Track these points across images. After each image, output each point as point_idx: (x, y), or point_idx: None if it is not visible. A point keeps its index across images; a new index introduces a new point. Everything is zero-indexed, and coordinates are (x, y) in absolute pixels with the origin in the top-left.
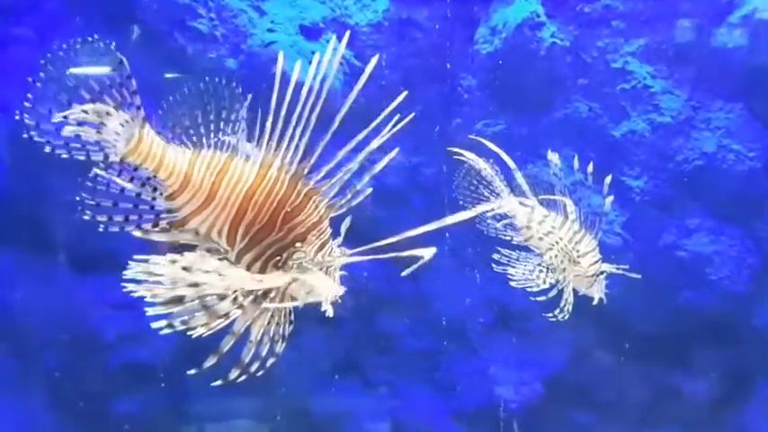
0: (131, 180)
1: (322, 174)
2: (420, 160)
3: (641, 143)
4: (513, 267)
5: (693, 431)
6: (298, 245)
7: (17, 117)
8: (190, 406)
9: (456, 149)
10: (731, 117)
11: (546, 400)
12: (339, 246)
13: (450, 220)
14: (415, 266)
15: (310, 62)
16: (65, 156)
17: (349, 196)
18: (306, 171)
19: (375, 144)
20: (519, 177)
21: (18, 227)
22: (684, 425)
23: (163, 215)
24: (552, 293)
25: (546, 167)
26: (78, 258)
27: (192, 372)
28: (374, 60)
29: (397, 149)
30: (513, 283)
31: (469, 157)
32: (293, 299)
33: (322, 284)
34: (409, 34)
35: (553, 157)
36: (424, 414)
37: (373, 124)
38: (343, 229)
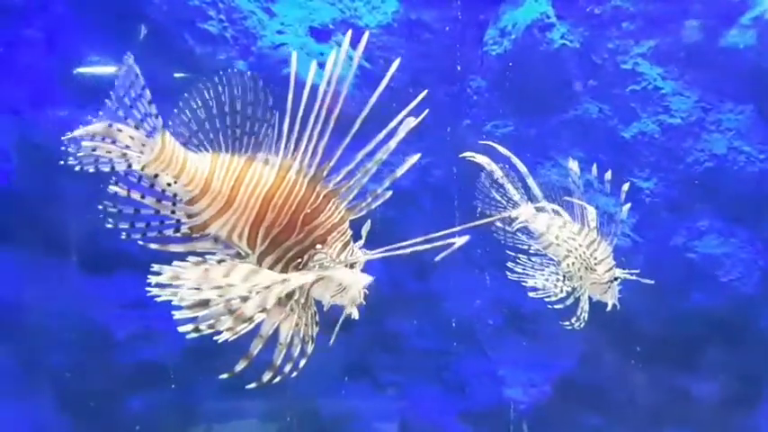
0: (152, 186)
1: (341, 176)
2: (430, 161)
3: (651, 144)
4: (530, 277)
5: None
6: (318, 247)
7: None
8: (199, 406)
9: (469, 153)
10: (741, 119)
11: (555, 401)
12: (360, 248)
13: (471, 225)
14: (448, 252)
15: (320, 64)
16: (92, 170)
17: (369, 200)
18: (325, 174)
19: (393, 144)
20: (531, 182)
21: (27, 227)
22: (694, 427)
23: (183, 220)
24: (569, 301)
25: (554, 168)
26: (88, 258)
27: (225, 376)
28: (396, 63)
29: (419, 155)
30: (531, 294)
31: (482, 160)
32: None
33: (349, 278)
34: (419, 36)
35: (573, 165)
36: (432, 415)
37: (392, 124)
38: (363, 232)
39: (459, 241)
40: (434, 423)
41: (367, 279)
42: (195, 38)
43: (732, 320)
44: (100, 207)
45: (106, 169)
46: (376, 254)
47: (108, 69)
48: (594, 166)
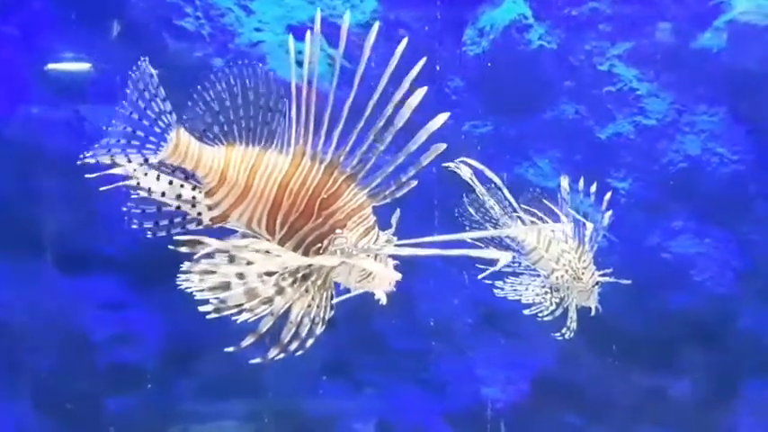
0: (171, 183)
1: (357, 158)
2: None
3: (627, 145)
4: (517, 293)
5: None
6: (338, 231)
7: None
8: (177, 407)
9: (453, 164)
10: (715, 120)
11: (533, 400)
12: (390, 236)
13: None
14: (494, 269)
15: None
16: (107, 161)
17: (394, 187)
18: (341, 158)
19: (423, 136)
20: (506, 193)
21: (4, 227)
22: (671, 426)
23: (204, 212)
24: (559, 312)
25: (531, 169)
26: (64, 258)
27: (231, 349)
28: (403, 43)
29: (444, 144)
30: (526, 312)
31: (465, 173)
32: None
33: (374, 268)
34: (398, 35)
35: (564, 182)
36: (412, 414)
37: (396, 98)
38: (393, 220)
39: (505, 258)
40: (413, 422)
41: (393, 276)
42: (172, 35)
43: (706, 320)
44: (123, 209)
45: (122, 162)
46: (403, 246)
47: (81, 66)
48: (582, 179)
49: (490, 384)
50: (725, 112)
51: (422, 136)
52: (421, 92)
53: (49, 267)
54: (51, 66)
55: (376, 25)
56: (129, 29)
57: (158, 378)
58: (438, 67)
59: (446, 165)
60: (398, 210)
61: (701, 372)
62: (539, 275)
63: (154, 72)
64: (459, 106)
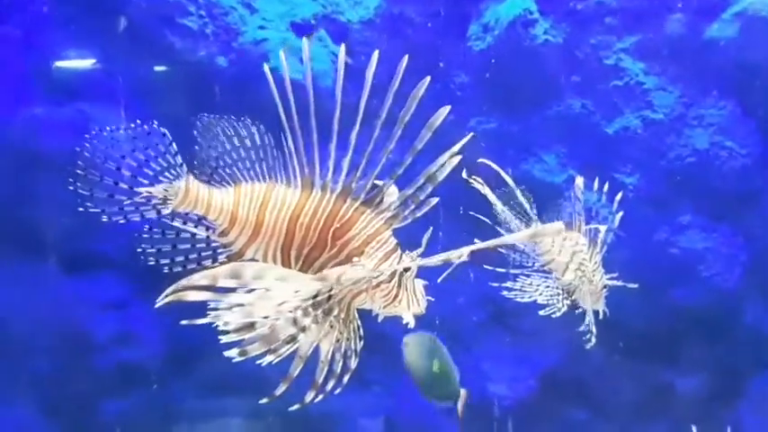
0: (185, 223)
1: (370, 182)
2: (413, 159)
3: (634, 140)
4: (527, 294)
5: (686, 427)
6: (356, 260)
7: (71, 188)
8: (182, 406)
9: (473, 178)
10: (723, 114)
11: (540, 396)
12: (419, 256)
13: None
14: (448, 272)
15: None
16: (122, 221)
17: (413, 207)
18: (353, 186)
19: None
20: (519, 195)
21: (4, 228)
22: (677, 421)
23: (220, 250)
24: (587, 320)
25: (537, 165)
26: (65, 259)
27: (265, 400)
28: (404, 60)
29: (459, 157)
30: (541, 312)
31: (477, 185)
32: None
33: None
34: (401, 31)
35: (579, 181)
36: (417, 412)
37: (404, 119)
38: (424, 240)
39: (460, 256)
40: (420, 420)
41: (419, 306)
42: (175, 34)
43: (714, 315)
44: (138, 250)
45: (136, 218)
46: (422, 261)
47: (86, 63)
48: (596, 179)
49: (497, 381)
50: (733, 106)
51: (441, 171)
52: (444, 110)
53: (50, 268)
54: (54, 65)
55: (376, 54)
56: (132, 28)
57: (162, 377)
58: (442, 64)
59: (474, 182)
60: (431, 228)
61: (708, 367)
62: (549, 277)
63: (166, 131)
64: (463, 102)
